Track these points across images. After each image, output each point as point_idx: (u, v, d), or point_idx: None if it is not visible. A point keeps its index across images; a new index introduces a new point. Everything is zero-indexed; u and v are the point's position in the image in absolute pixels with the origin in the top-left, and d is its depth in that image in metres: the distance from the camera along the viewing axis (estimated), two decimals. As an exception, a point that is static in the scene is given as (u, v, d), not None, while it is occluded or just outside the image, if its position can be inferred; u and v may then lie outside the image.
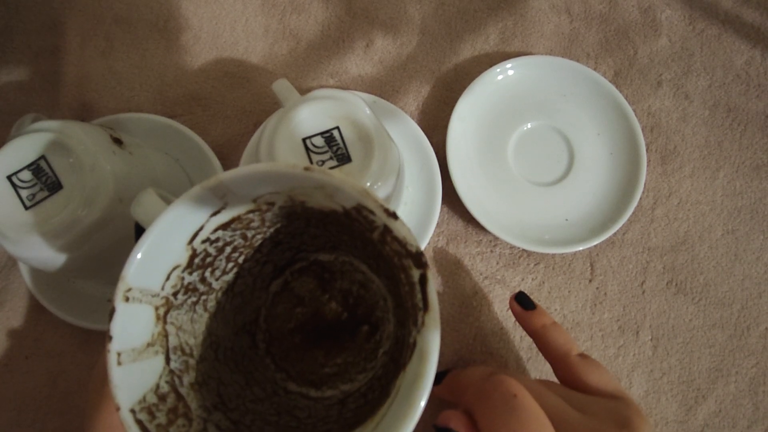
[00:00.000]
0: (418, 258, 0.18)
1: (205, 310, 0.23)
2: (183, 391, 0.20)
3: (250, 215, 0.22)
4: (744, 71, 0.42)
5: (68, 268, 0.28)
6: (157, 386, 0.19)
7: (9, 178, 0.27)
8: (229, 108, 0.40)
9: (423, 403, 0.17)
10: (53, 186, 0.27)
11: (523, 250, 0.37)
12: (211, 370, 0.23)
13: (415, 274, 0.18)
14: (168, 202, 0.21)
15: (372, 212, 0.19)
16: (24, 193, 0.27)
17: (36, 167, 0.27)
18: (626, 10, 0.43)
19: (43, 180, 0.27)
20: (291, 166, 0.19)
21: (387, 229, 0.19)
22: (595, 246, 0.37)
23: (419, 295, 0.18)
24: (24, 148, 0.27)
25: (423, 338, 0.17)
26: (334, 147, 0.28)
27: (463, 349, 0.35)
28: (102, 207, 0.27)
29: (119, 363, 0.18)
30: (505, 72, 0.40)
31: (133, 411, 0.18)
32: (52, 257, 0.27)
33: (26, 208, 0.27)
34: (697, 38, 0.43)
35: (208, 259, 0.22)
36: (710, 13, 0.43)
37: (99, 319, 0.34)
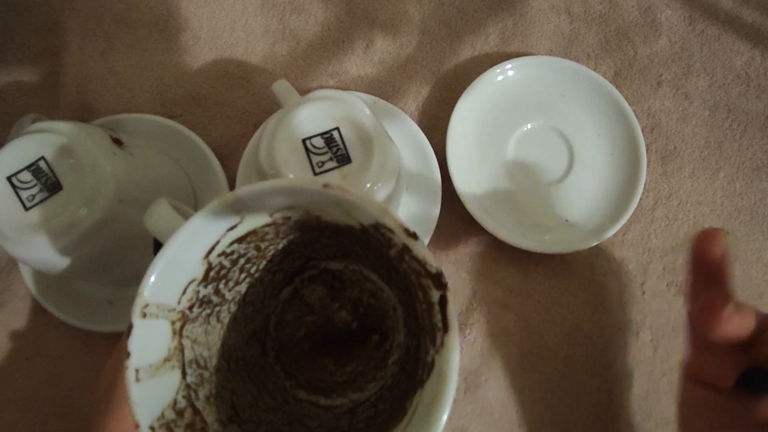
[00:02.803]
0: (438, 279, 0.18)
1: (218, 321, 0.23)
2: (199, 405, 0.20)
3: (266, 229, 0.22)
4: (744, 71, 0.42)
5: (68, 269, 0.28)
6: (175, 401, 0.19)
7: (9, 178, 0.27)
8: (229, 108, 0.40)
9: (443, 423, 0.16)
10: (53, 187, 0.27)
11: (523, 250, 0.37)
12: (224, 381, 0.23)
13: (435, 294, 0.18)
14: (180, 211, 0.21)
15: (391, 231, 0.19)
16: (24, 194, 0.27)
17: (36, 168, 0.27)
18: (626, 11, 0.43)
19: (43, 181, 0.27)
20: (310, 182, 0.18)
21: (406, 249, 0.19)
22: (596, 246, 0.37)
23: (438, 316, 0.18)
24: (24, 149, 0.27)
25: (442, 359, 0.17)
26: (333, 148, 0.28)
27: (464, 350, 0.35)
28: (102, 208, 0.27)
29: (137, 380, 0.18)
30: (505, 72, 0.40)
31: (152, 428, 0.18)
32: (52, 258, 0.27)
33: (26, 209, 0.27)
34: (697, 38, 0.43)
35: (223, 272, 0.22)
36: (710, 13, 0.43)
37: (100, 321, 0.34)
